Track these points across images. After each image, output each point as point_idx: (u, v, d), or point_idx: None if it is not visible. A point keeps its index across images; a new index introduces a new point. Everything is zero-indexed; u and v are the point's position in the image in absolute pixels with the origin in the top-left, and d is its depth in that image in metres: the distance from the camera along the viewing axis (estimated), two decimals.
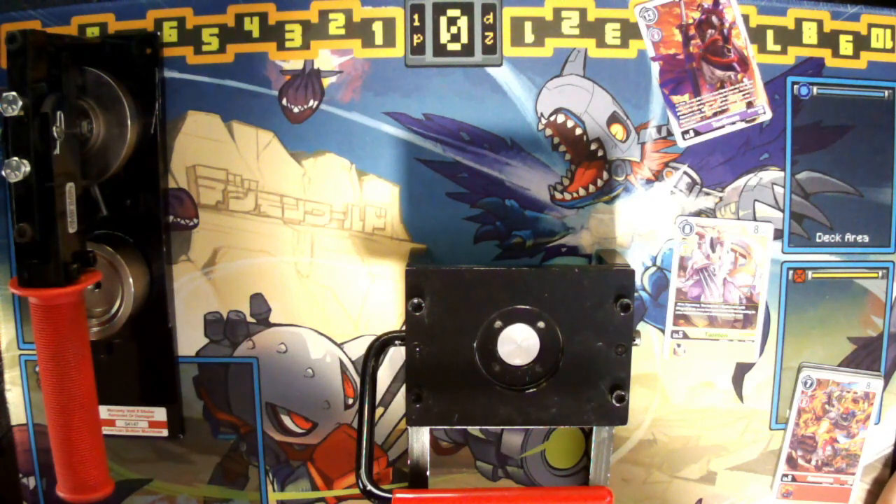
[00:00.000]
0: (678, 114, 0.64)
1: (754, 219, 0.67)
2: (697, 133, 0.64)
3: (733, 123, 0.65)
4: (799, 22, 0.65)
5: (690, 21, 0.62)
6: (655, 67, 0.65)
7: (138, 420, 0.69)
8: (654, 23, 0.61)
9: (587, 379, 0.58)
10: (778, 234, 0.68)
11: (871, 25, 0.66)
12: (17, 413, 0.70)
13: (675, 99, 0.64)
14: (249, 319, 0.68)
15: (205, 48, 0.65)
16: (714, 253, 0.67)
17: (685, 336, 0.68)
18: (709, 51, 0.62)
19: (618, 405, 0.59)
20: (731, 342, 0.68)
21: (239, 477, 0.71)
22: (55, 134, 0.54)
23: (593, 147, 0.66)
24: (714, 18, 0.61)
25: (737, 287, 0.67)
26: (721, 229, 0.66)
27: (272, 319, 0.68)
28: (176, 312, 0.68)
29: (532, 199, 0.67)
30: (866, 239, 0.68)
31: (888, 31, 0.66)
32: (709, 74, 0.63)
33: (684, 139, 0.65)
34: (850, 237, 0.68)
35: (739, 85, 0.63)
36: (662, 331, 0.68)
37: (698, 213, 0.67)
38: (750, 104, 0.63)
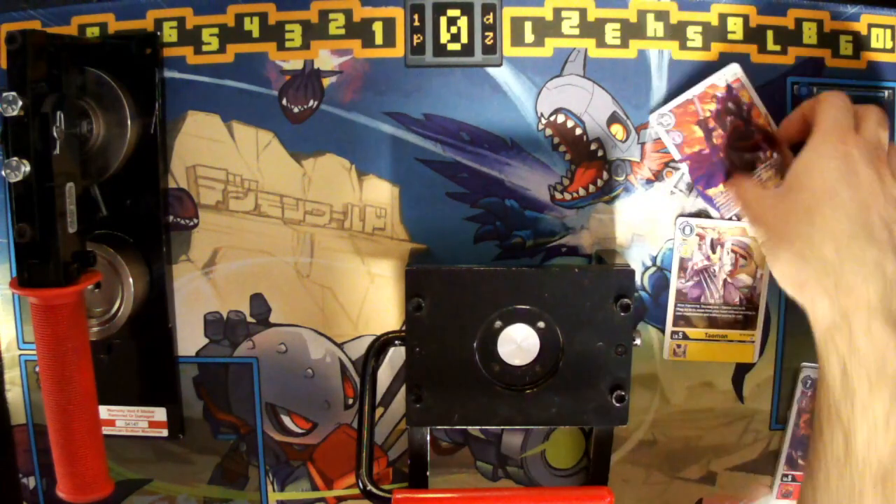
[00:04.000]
0: (717, 205, 0.65)
1: None
2: (740, 217, 0.65)
3: None
4: (799, 22, 0.65)
5: (707, 114, 0.62)
6: (655, 67, 0.65)
7: (138, 420, 0.69)
8: (672, 127, 0.62)
9: (587, 379, 0.58)
10: None
11: (871, 25, 0.66)
12: (17, 413, 0.70)
13: (711, 192, 0.65)
14: (249, 319, 0.68)
15: (205, 48, 0.65)
16: (714, 254, 0.67)
17: (685, 337, 0.68)
18: (732, 137, 0.62)
19: (618, 405, 0.59)
20: (732, 343, 0.68)
21: (239, 477, 0.71)
22: (55, 134, 0.54)
23: (593, 147, 0.66)
24: (731, 104, 0.61)
25: (737, 288, 0.67)
26: (721, 230, 0.66)
27: (272, 319, 0.68)
28: (176, 312, 0.68)
29: (532, 199, 0.67)
30: None
31: (888, 31, 0.66)
32: (738, 160, 0.63)
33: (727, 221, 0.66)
34: None
35: (770, 161, 0.63)
36: (662, 331, 0.68)
37: (698, 214, 0.67)
38: (783, 175, 0.63)
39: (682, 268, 0.67)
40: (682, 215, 0.67)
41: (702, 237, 0.66)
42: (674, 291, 0.68)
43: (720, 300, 0.68)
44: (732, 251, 0.67)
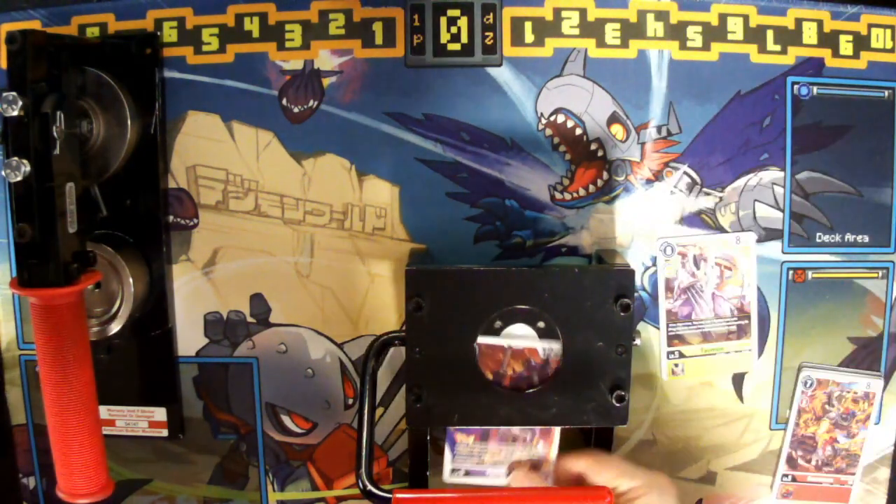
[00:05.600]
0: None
1: (754, 219, 0.67)
2: None
3: None
4: (799, 22, 0.65)
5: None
6: (655, 67, 0.65)
7: (138, 420, 0.69)
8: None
9: (587, 379, 0.58)
10: (778, 235, 0.68)
11: (871, 25, 0.66)
12: (17, 413, 0.70)
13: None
14: (249, 319, 0.68)
15: (205, 48, 0.65)
16: (699, 270, 0.67)
17: (681, 356, 0.68)
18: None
19: (618, 405, 0.59)
20: (728, 354, 0.68)
21: (239, 477, 0.71)
22: (55, 134, 0.54)
23: (593, 147, 0.66)
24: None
25: (726, 300, 0.67)
26: (703, 245, 0.66)
27: (272, 319, 0.68)
28: (176, 312, 0.68)
29: (532, 199, 0.67)
30: (866, 239, 0.68)
31: (888, 31, 0.66)
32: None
33: None
34: (850, 237, 0.68)
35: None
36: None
37: (698, 213, 0.67)
38: None
39: (669, 288, 0.67)
40: (661, 237, 0.67)
41: (684, 255, 0.66)
42: (664, 312, 0.68)
43: (711, 314, 0.68)
44: (717, 264, 0.67)
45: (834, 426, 0.70)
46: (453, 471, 0.62)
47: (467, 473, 0.62)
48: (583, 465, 0.60)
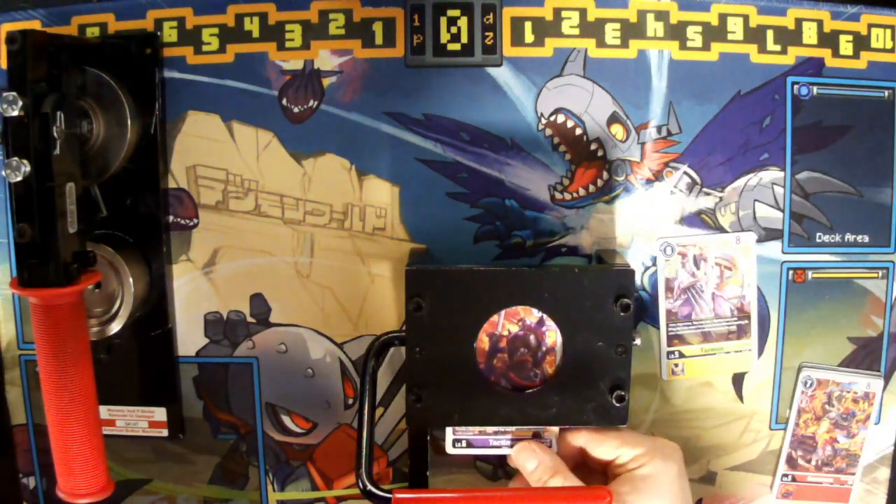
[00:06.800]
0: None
1: (754, 219, 0.67)
2: None
3: None
4: (799, 22, 0.65)
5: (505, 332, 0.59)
6: (655, 67, 0.65)
7: (138, 420, 0.69)
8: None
9: (587, 379, 0.58)
10: (778, 235, 0.68)
11: (871, 25, 0.66)
12: (17, 413, 0.70)
13: None
14: (249, 319, 0.68)
15: (205, 48, 0.65)
16: (699, 270, 0.67)
17: (681, 356, 0.68)
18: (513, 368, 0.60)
19: (618, 405, 0.59)
20: (728, 354, 0.68)
21: (239, 477, 0.71)
22: (55, 134, 0.54)
23: (593, 147, 0.66)
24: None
25: (726, 300, 0.67)
26: (703, 245, 0.66)
27: (272, 319, 0.68)
28: (176, 312, 0.68)
29: (532, 199, 0.67)
30: (866, 239, 0.68)
31: (888, 31, 0.66)
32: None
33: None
34: (850, 237, 0.68)
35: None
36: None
37: (698, 213, 0.67)
38: None
39: (669, 288, 0.67)
40: (661, 237, 0.67)
41: (684, 255, 0.66)
42: (664, 312, 0.68)
43: (711, 314, 0.68)
44: (717, 264, 0.67)
45: (834, 426, 0.70)
46: (455, 441, 0.62)
47: (470, 444, 0.62)
48: (583, 438, 0.60)
